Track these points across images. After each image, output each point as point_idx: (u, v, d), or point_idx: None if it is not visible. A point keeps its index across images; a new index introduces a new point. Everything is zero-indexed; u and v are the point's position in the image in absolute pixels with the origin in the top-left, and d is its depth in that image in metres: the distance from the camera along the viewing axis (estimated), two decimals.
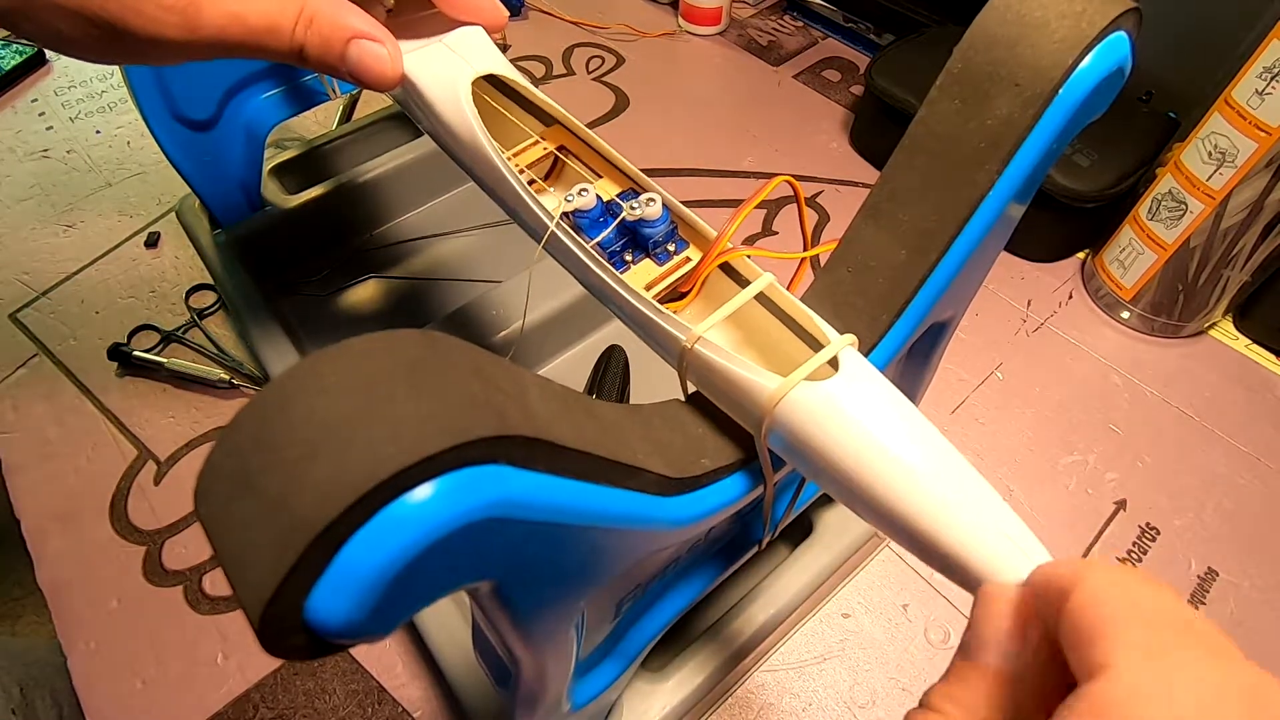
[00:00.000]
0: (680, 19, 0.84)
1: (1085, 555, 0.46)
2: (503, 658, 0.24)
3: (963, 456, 0.19)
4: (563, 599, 0.20)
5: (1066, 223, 0.59)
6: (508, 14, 0.32)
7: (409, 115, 0.37)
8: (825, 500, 0.43)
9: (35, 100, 0.76)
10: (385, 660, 0.42)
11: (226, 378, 0.53)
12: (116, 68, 0.67)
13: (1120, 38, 0.22)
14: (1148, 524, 0.47)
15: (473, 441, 0.13)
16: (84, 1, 0.24)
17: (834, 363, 0.21)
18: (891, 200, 0.25)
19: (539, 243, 0.27)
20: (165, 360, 0.54)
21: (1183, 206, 0.51)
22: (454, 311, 0.51)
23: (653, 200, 0.25)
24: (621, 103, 0.75)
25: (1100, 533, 0.47)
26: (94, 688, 0.42)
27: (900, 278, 0.24)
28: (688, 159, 0.69)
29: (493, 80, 0.31)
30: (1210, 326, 0.57)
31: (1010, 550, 0.17)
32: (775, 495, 0.26)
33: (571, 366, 0.54)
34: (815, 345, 0.22)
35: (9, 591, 0.47)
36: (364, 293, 0.58)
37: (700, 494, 0.22)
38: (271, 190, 0.57)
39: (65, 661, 0.42)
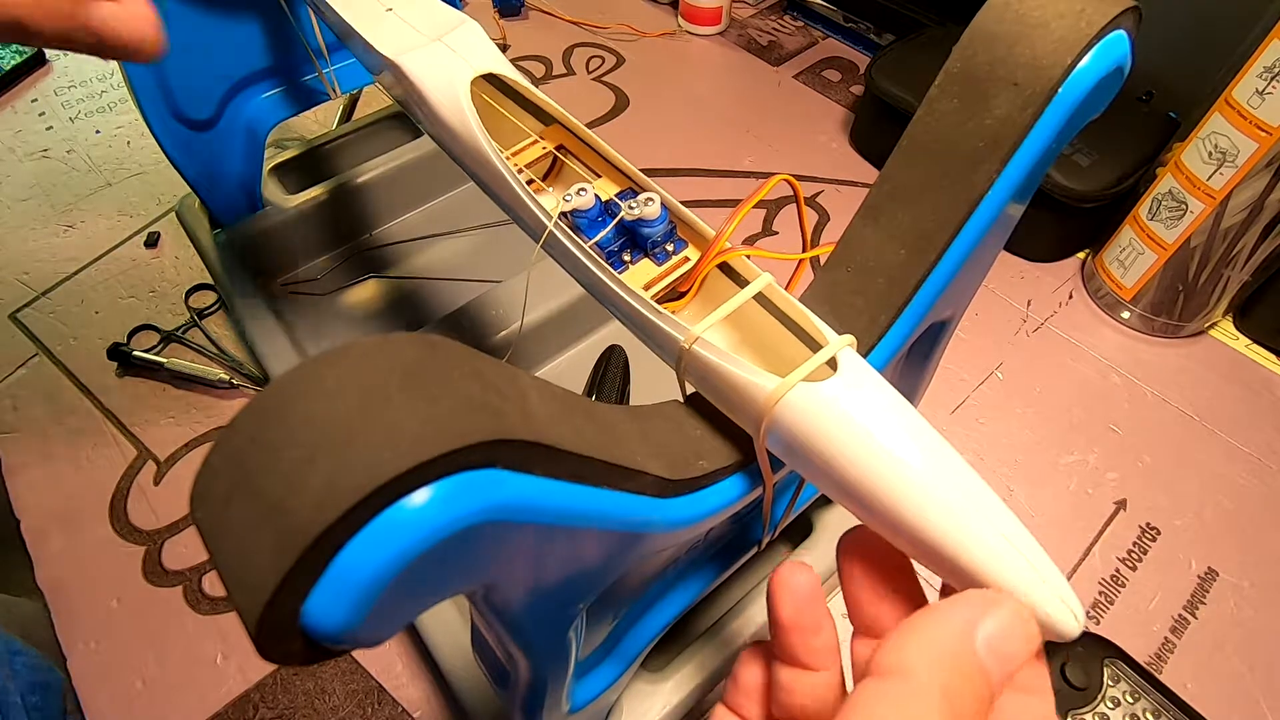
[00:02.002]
0: (680, 19, 0.84)
1: (1085, 555, 0.46)
2: (501, 659, 0.24)
3: (961, 458, 0.19)
4: (561, 602, 0.20)
5: (1066, 223, 0.59)
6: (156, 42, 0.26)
7: (408, 114, 0.37)
8: (825, 501, 0.43)
9: (35, 100, 0.76)
10: (385, 660, 0.42)
11: (226, 378, 0.53)
12: (116, 67, 0.67)
13: (1119, 37, 0.22)
14: (1148, 524, 0.47)
15: (470, 445, 0.13)
16: None
17: (833, 363, 0.21)
18: (890, 200, 0.25)
19: (538, 242, 0.27)
20: (165, 360, 0.54)
21: (1183, 206, 0.51)
22: (453, 311, 0.51)
23: (651, 200, 0.25)
24: (621, 103, 0.75)
25: (1100, 533, 0.47)
26: (94, 688, 0.42)
27: (899, 278, 0.24)
28: (687, 159, 0.69)
29: (492, 79, 0.31)
30: (1210, 326, 0.57)
31: (1007, 551, 0.17)
32: (774, 496, 0.26)
33: (571, 366, 0.54)
34: (814, 346, 0.22)
35: (9, 592, 0.47)
36: (364, 293, 0.58)
37: (699, 495, 0.22)
38: (271, 190, 0.57)
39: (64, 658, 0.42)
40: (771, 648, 0.20)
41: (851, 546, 0.20)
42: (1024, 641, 0.16)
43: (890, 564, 0.19)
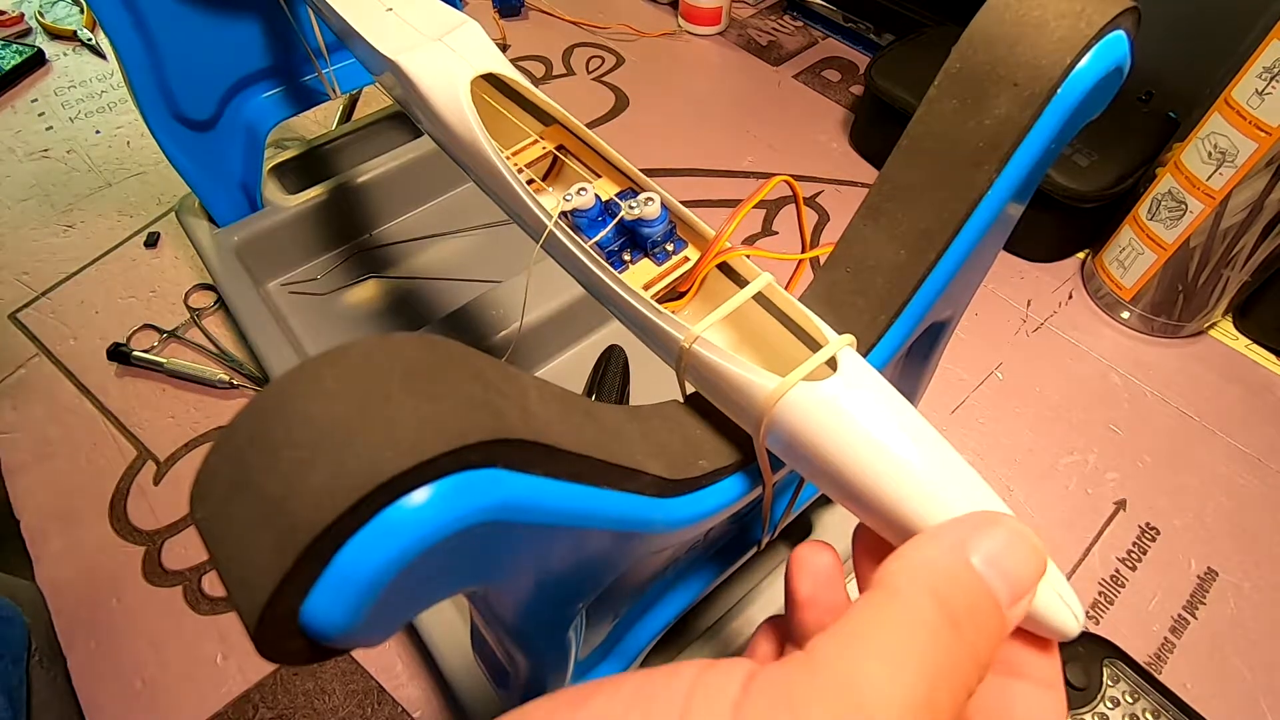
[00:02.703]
0: (680, 19, 0.84)
1: (1085, 555, 0.46)
2: (501, 659, 0.24)
3: (961, 457, 0.19)
4: (561, 602, 0.20)
5: (1066, 223, 0.59)
6: None
7: (409, 115, 0.37)
8: (825, 501, 0.43)
9: (35, 100, 0.76)
10: (385, 660, 0.42)
11: (226, 378, 0.53)
12: (116, 67, 0.67)
13: (1119, 37, 0.22)
14: (1148, 524, 0.47)
15: (470, 445, 0.13)
16: None
17: (833, 363, 0.21)
18: (890, 200, 0.25)
19: (538, 242, 0.27)
20: (165, 360, 0.54)
21: (1183, 206, 0.51)
22: (454, 311, 0.51)
23: (651, 200, 0.25)
24: (621, 103, 0.75)
25: (1100, 533, 0.47)
26: (94, 688, 0.42)
27: (899, 278, 0.24)
28: (687, 159, 0.69)
29: (492, 80, 0.31)
30: (1210, 326, 0.57)
31: None
32: (774, 496, 0.26)
33: (571, 366, 0.54)
34: (814, 345, 0.22)
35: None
36: (364, 293, 0.58)
37: (699, 495, 0.22)
38: (271, 190, 0.57)
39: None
40: (786, 626, 0.20)
41: (867, 534, 0.20)
42: (1027, 559, 0.15)
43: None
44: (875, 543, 0.20)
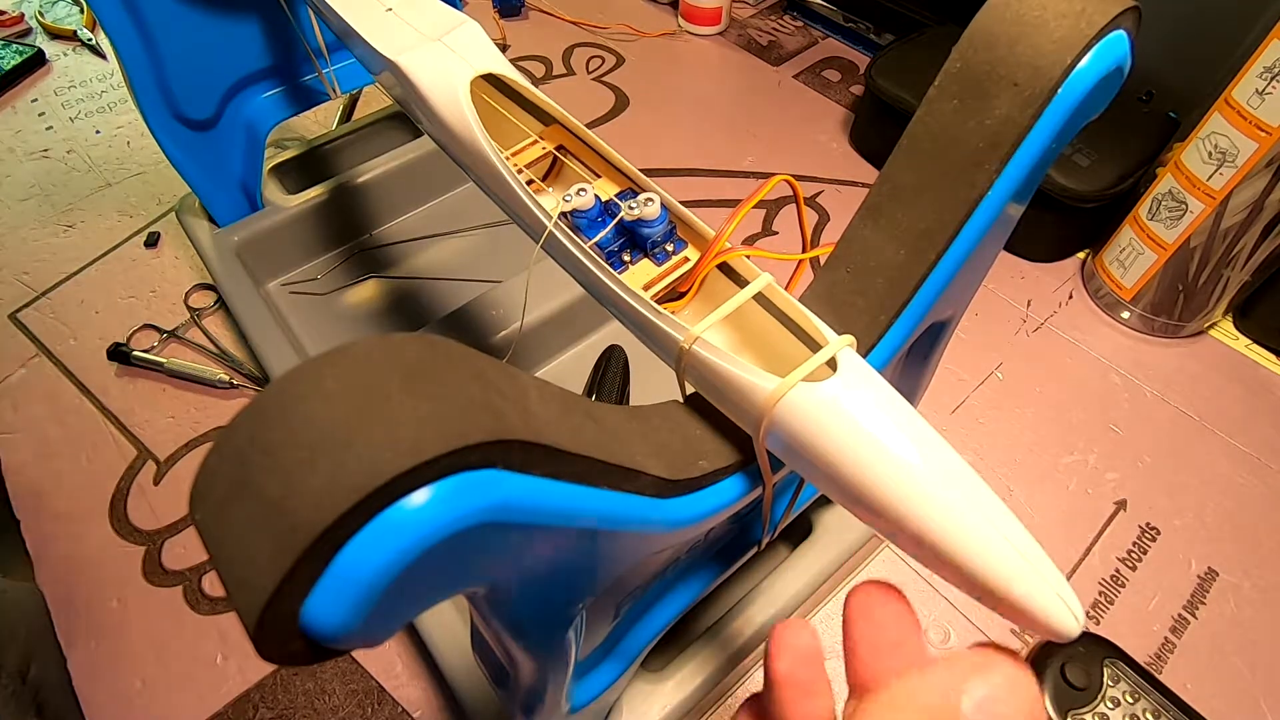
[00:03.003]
0: (680, 19, 0.84)
1: (1085, 555, 0.46)
2: (501, 659, 0.24)
3: (960, 458, 0.19)
4: (561, 602, 0.20)
5: (1066, 223, 0.59)
6: None
7: (408, 115, 0.37)
8: (825, 501, 0.43)
9: (35, 100, 0.76)
10: (385, 660, 0.42)
11: (226, 378, 0.53)
12: (116, 67, 0.67)
13: (1119, 37, 0.22)
14: (1148, 524, 0.47)
15: (470, 446, 0.13)
16: None
17: (832, 363, 0.21)
18: (891, 200, 0.25)
19: (538, 242, 0.27)
20: (165, 360, 0.54)
21: (1183, 206, 0.51)
22: (454, 311, 0.51)
23: (651, 200, 0.25)
24: (621, 103, 0.75)
25: (1100, 533, 0.47)
26: (94, 688, 0.42)
27: (899, 278, 0.24)
28: (687, 159, 0.69)
29: (492, 80, 0.31)
30: (1210, 326, 0.57)
31: (1006, 550, 0.17)
32: (774, 496, 0.26)
33: (571, 366, 0.54)
34: (814, 346, 0.22)
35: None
36: (364, 293, 0.58)
37: (699, 496, 0.22)
38: (271, 190, 0.57)
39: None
40: (764, 703, 0.19)
41: (860, 597, 0.19)
42: (1021, 707, 0.15)
43: (897, 621, 0.18)
44: (871, 618, 0.18)
